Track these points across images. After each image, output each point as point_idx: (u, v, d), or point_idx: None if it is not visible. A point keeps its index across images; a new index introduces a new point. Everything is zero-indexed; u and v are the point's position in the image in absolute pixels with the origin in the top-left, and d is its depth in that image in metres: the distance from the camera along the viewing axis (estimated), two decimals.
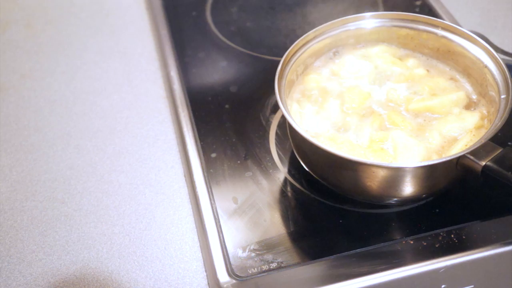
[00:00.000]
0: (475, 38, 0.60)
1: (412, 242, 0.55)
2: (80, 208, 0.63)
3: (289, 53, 0.61)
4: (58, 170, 0.67)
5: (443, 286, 0.54)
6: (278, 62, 0.59)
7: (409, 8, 0.85)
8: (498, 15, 0.86)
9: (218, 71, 0.78)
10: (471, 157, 0.50)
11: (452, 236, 0.55)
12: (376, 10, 0.86)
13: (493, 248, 0.54)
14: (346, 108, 0.61)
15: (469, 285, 0.55)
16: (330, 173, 0.57)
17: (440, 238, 0.55)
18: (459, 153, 0.51)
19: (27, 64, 0.83)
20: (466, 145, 0.55)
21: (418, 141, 0.56)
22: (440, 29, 0.63)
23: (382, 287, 0.52)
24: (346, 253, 0.54)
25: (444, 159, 0.51)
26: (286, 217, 0.59)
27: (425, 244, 0.55)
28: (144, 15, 0.90)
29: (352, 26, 0.65)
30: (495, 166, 0.50)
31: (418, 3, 0.86)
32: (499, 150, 0.51)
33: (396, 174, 0.53)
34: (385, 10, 0.85)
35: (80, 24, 0.90)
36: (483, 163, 0.50)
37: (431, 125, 0.58)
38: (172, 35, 0.82)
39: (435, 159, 0.54)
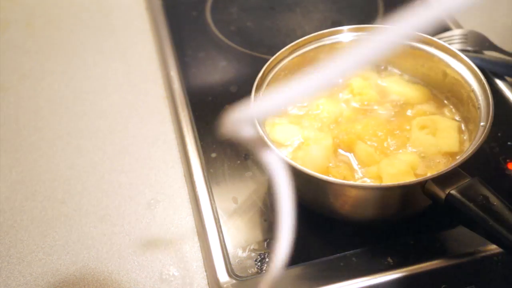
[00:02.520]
0: (465, 60, 0.58)
1: (412, 242, 0.55)
2: (80, 208, 0.63)
3: (265, 69, 0.59)
4: (58, 170, 0.67)
5: (443, 286, 0.54)
6: None
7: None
8: (498, 15, 0.86)
9: (218, 71, 0.78)
10: (435, 184, 0.49)
11: (452, 236, 0.55)
12: (376, 11, 0.86)
13: (493, 248, 0.54)
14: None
15: (469, 285, 0.55)
16: (322, 201, 0.57)
17: (440, 238, 0.55)
18: (423, 178, 0.50)
19: (27, 64, 0.83)
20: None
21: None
22: (433, 47, 0.61)
23: (382, 287, 0.52)
24: (346, 253, 0.54)
25: (408, 183, 0.50)
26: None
27: (425, 244, 0.55)
28: (144, 15, 0.90)
29: (327, 40, 0.63)
30: (458, 196, 0.48)
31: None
32: (467, 180, 0.49)
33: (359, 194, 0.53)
34: (385, 12, 0.85)
35: (80, 24, 0.90)
36: (448, 191, 0.48)
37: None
38: (172, 35, 0.82)
39: (401, 182, 0.53)
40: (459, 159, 0.50)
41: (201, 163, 0.64)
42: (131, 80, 0.79)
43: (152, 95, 0.76)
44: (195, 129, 0.68)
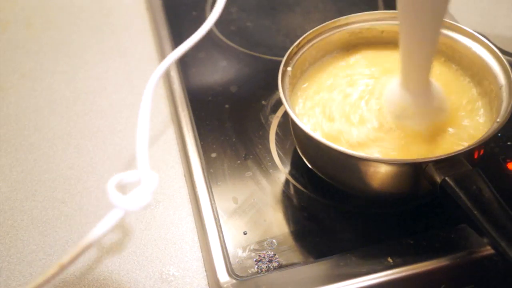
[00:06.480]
0: (499, 55, 0.57)
1: (412, 242, 0.55)
2: (80, 208, 0.63)
3: (294, 47, 0.60)
4: (58, 170, 0.67)
5: (442, 286, 0.54)
6: (278, 62, 0.59)
7: None
8: (498, 15, 0.86)
9: (218, 71, 0.78)
10: (434, 168, 0.48)
11: (452, 236, 0.55)
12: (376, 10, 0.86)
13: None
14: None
15: (469, 285, 0.55)
16: (334, 170, 0.57)
17: (440, 238, 0.55)
18: (425, 159, 0.49)
19: (27, 64, 0.83)
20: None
21: None
22: (473, 40, 0.60)
23: (382, 287, 0.52)
24: (346, 253, 0.54)
25: (407, 160, 0.51)
26: (286, 217, 0.59)
27: (425, 244, 0.55)
28: (144, 15, 0.90)
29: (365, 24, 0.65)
30: (451, 183, 0.47)
31: None
32: (467, 169, 0.48)
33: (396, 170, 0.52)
34: (386, 9, 0.85)
35: (80, 24, 0.90)
36: (443, 177, 0.48)
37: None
38: (172, 35, 0.82)
39: (401, 159, 0.53)
40: (466, 147, 0.50)
41: (201, 163, 0.64)
42: (131, 80, 0.79)
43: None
44: (195, 129, 0.68)
